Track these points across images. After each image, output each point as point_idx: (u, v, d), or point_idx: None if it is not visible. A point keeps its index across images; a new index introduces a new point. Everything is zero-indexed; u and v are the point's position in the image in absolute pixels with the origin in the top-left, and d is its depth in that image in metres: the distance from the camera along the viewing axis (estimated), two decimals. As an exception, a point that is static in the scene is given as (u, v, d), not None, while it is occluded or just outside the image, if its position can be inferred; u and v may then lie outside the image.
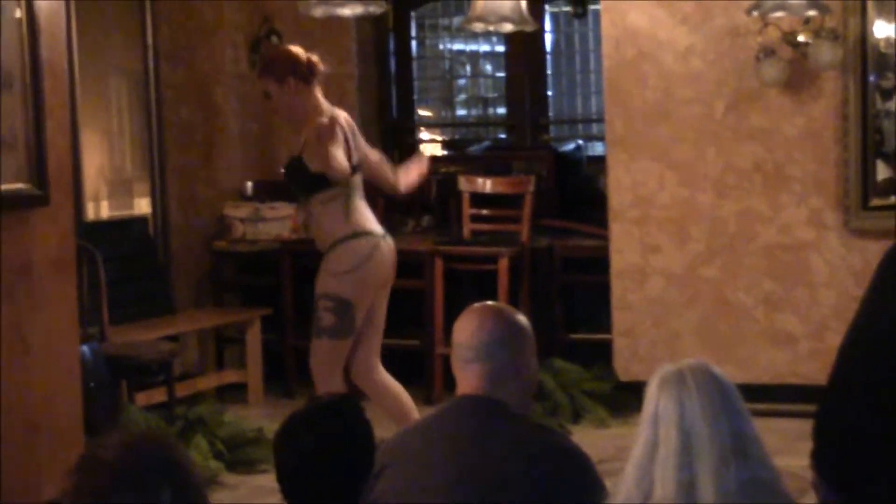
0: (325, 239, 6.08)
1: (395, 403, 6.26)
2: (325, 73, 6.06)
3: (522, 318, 3.59)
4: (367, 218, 6.09)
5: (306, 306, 8.68)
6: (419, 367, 8.26)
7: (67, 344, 5.50)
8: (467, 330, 3.54)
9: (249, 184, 9.03)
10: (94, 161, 8.45)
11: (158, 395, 7.45)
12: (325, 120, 5.83)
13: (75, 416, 5.53)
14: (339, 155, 5.78)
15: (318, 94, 6.04)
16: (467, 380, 3.50)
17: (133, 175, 8.87)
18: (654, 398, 2.80)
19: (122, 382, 7.12)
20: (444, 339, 7.96)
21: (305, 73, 5.95)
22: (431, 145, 10.43)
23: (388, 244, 6.13)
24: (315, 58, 5.97)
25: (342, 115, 6.04)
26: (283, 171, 6.40)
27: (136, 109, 8.78)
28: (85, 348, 6.22)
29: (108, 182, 8.65)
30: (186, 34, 8.86)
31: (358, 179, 6.08)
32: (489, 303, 3.74)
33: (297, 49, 6.00)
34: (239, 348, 8.58)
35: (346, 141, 5.95)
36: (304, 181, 6.05)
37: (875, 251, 7.44)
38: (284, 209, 8.75)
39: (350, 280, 5.99)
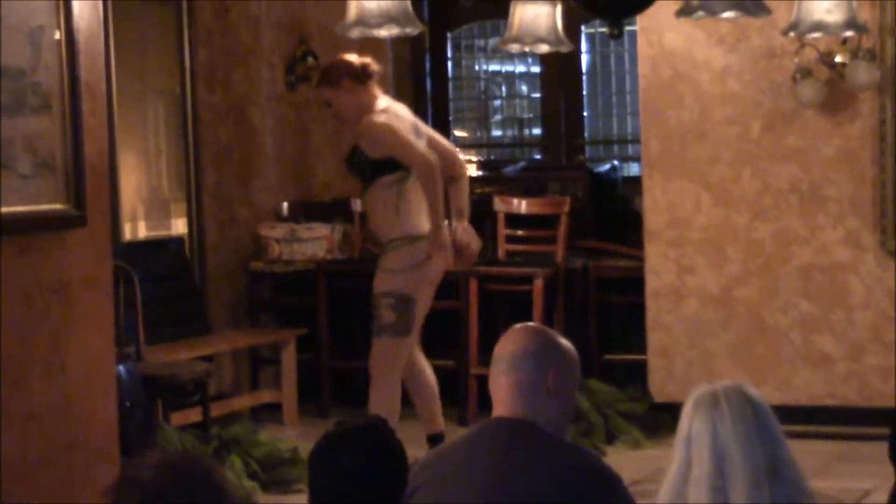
0: (384, 233, 6.30)
1: (424, 393, 6.37)
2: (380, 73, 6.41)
3: (564, 341, 3.56)
4: (423, 217, 6.17)
5: (342, 327, 8.73)
6: (453, 387, 8.25)
7: (103, 363, 5.51)
8: (502, 344, 3.55)
9: (285, 204, 9.05)
10: (131, 181, 8.49)
11: (194, 415, 7.46)
12: (381, 117, 6.15)
13: (111, 436, 5.54)
14: (412, 142, 6.17)
15: (376, 91, 6.24)
16: (499, 394, 3.49)
17: (170, 195, 8.91)
18: (688, 420, 2.80)
19: (158, 402, 7.13)
20: (479, 360, 7.96)
21: (359, 73, 6.15)
22: (467, 165, 10.43)
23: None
24: (368, 59, 6.22)
25: (402, 109, 6.34)
26: (345, 161, 6.65)
27: (173, 130, 8.83)
28: (121, 368, 6.24)
29: (146, 202, 8.69)
30: (224, 55, 8.89)
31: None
32: (532, 324, 3.74)
33: (349, 55, 6.34)
34: (274, 368, 8.59)
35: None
36: (365, 167, 6.28)
37: (912, 272, 7.43)
38: (320, 230, 8.77)
39: (410, 277, 6.11)
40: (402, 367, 6.26)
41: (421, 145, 6.26)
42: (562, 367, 3.51)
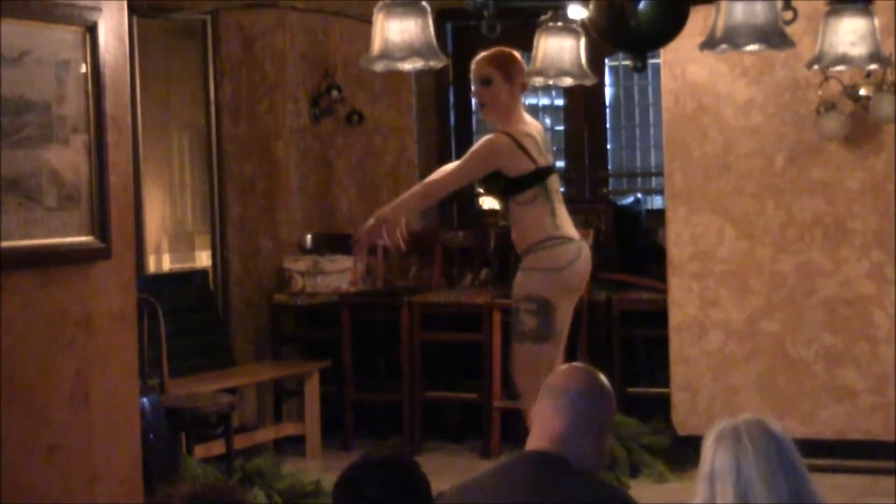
0: (528, 239, 6.13)
1: None
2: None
3: (606, 383, 3.60)
4: (569, 223, 6.16)
5: (365, 359, 8.73)
6: (477, 420, 8.25)
7: (127, 396, 5.53)
8: (557, 380, 3.56)
9: (309, 237, 9.07)
10: (156, 214, 8.52)
11: (217, 448, 7.47)
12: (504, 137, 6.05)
13: (135, 468, 5.55)
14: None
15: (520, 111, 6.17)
16: (541, 428, 3.49)
17: (194, 228, 8.94)
18: (710, 455, 2.79)
19: (181, 434, 7.14)
20: (502, 393, 7.95)
21: (524, 84, 6.09)
22: (490, 199, 10.44)
23: (587, 252, 6.18)
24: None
25: (534, 127, 6.19)
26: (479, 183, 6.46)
27: (198, 163, 8.87)
28: (144, 400, 6.25)
29: (170, 235, 8.72)
30: (248, 88, 8.93)
31: (553, 181, 6.16)
32: (584, 365, 3.78)
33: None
34: (297, 401, 8.59)
35: (523, 149, 6.03)
36: (500, 186, 6.15)
37: (937, 306, 7.40)
38: (344, 262, 8.78)
39: (553, 280, 6.01)
40: (548, 371, 6.13)
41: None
42: (610, 414, 3.54)
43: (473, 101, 10.10)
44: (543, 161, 6.10)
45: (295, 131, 9.10)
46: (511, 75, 6.05)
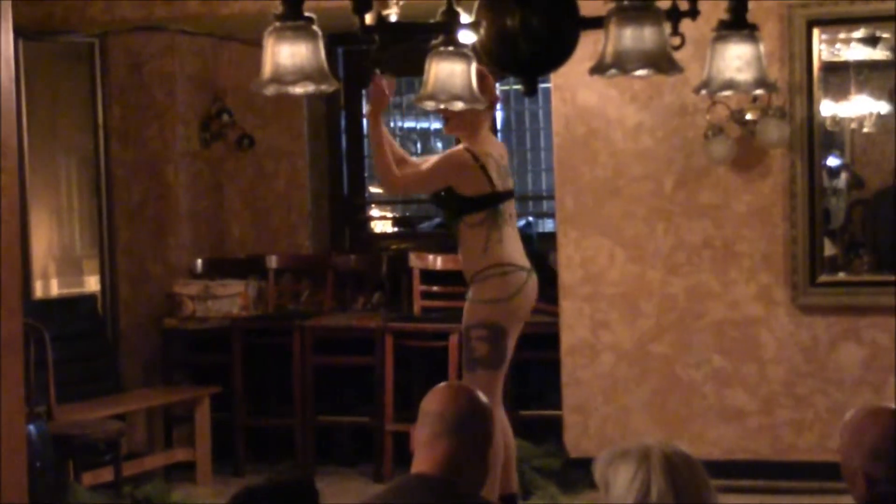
0: (473, 264, 6.08)
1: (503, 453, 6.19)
2: None
3: (485, 400, 3.59)
4: (519, 251, 6.10)
5: (256, 384, 8.67)
6: (369, 444, 8.23)
7: (13, 423, 5.44)
8: (441, 402, 3.54)
9: (199, 261, 9.00)
10: (43, 239, 8.41)
11: (106, 475, 7.38)
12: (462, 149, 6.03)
13: (21, 497, 5.46)
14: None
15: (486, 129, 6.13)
16: (432, 453, 3.47)
17: (83, 253, 8.84)
18: (612, 478, 2.79)
19: (69, 462, 7.04)
20: (395, 416, 7.94)
21: (493, 103, 6.07)
22: (382, 222, 10.44)
23: (534, 280, 6.12)
24: None
25: (498, 149, 6.17)
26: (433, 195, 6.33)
27: (86, 187, 8.78)
28: (31, 427, 6.16)
29: (57, 260, 8.61)
30: (137, 113, 8.86)
31: (508, 207, 6.10)
32: (456, 382, 3.75)
33: None
34: (188, 427, 8.51)
35: (482, 169, 6.00)
36: (453, 204, 6.08)
37: (823, 327, 7.51)
38: (235, 286, 8.73)
39: (502, 308, 5.95)
40: (499, 401, 6.08)
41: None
42: (489, 431, 3.54)
43: (365, 123, 10.11)
44: (501, 185, 6.08)
45: (185, 155, 9.04)
46: (485, 90, 6.03)
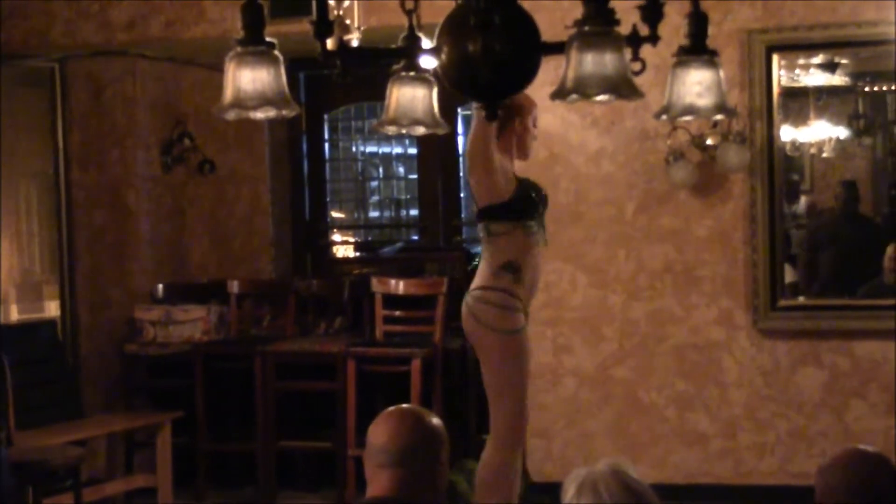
0: None
1: None
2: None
3: (438, 421, 3.59)
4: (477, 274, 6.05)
5: (218, 409, 8.64)
6: (331, 469, 8.21)
7: (-27, 449, 5.41)
8: (384, 433, 3.52)
9: (160, 286, 8.97)
10: (3, 264, 8.37)
11: (66, 501, 7.33)
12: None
13: (-20, 524, 5.43)
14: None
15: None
16: (380, 482, 3.48)
17: (43, 278, 8.80)
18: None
19: (29, 488, 6.99)
20: (357, 441, 7.92)
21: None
22: (344, 247, 10.44)
23: (465, 304, 6.02)
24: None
25: None
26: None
27: (46, 212, 8.74)
28: (-9, 453, 6.12)
29: (18, 285, 8.57)
30: (98, 137, 8.83)
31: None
32: (405, 406, 3.72)
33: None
34: (149, 452, 8.46)
35: None
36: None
37: (783, 351, 7.55)
38: (196, 311, 8.70)
39: None
40: None
41: None
42: (442, 452, 3.53)
43: (327, 147, 10.12)
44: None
45: (146, 180, 9.01)
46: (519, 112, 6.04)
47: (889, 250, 7.60)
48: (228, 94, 3.57)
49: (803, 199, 7.96)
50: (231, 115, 3.61)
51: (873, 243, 7.69)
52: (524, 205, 5.85)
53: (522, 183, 5.95)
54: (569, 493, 2.82)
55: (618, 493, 2.79)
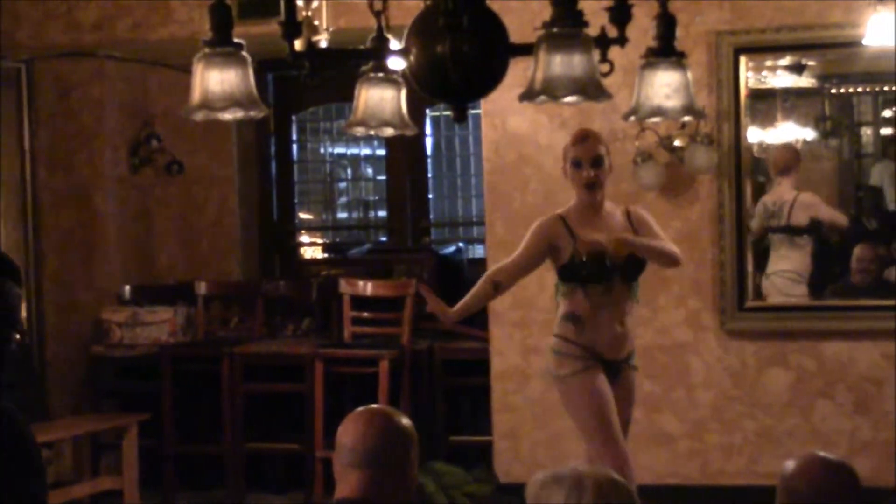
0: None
1: None
2: None
3: (407, 422, 3.58)
4: None
5: (185, 411, 8.61)
6: (299, 470, 8.19)
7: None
8: (354, 434, 3.52)
9: (128, 288, 8.94)
10: (-31, 266, 8.31)
11: (33, 504, 7.28)
12: None
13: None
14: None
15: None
16: (349, 483, 3.47)
17: (9, 280, 8.74)
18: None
19: (-5, 491, 6.95)
20: (325, 443, 7.90)
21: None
22: (312, 248, 10.43)
23: None
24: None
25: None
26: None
27: (12, 214, 8.69)
28: (-43, 456, 6.07)
29: (-16, 287, 8.51)
30: (65, 138, 8.80)
31: None
32: (375, 406, 3.72)
33: None
34: (115, 455, 8.43)
35: None
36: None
37: (751, 352, 7.57)
38: (164, 313, 8.67)
39: None
40: None
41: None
42: (412, 452, 3.53)
43: (295, 149, 10.09)
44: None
45: (113, 181, 8.98)
46: (610, 156, 6.06)
47: (856, 251, 7.64)
48: (196, 95, 3.56)
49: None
50: (199, 117, 3.61)
51: (841, 244, 7.72)
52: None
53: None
54: (546, 490, 2.82)
55: (599, 485, 2.79)
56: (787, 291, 7.64)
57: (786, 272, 7.67)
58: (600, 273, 5.89)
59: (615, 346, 5.97)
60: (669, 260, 6.01)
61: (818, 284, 7.69)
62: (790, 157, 7.76)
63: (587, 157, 5.94)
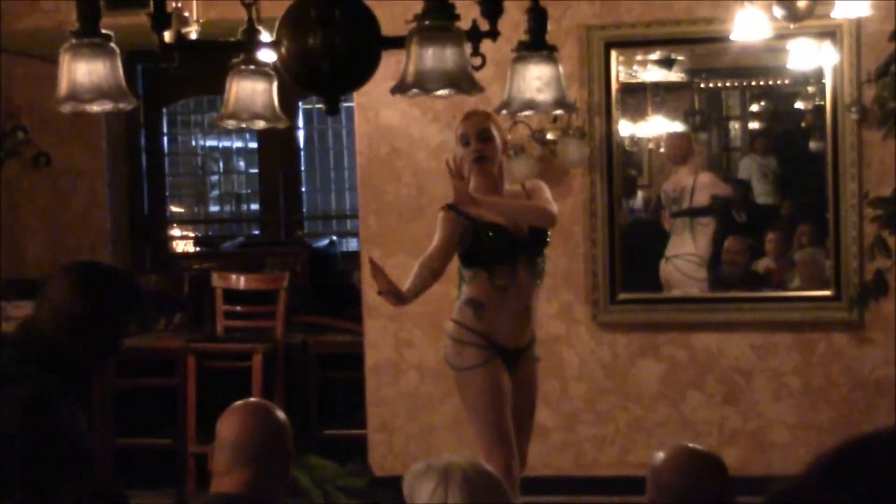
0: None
1: None
2: None
3: (283, 415, 3.57)
4: None
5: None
6: (171, 466, 8.12)
7: None
8: (235, 427, 3.49)
9: (-6, 282, 8.80)
10: None
11: None
12: None
13: None
14: None
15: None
16: (231, 478, 3.44)
17: None
18: (417, 497, 2.80)
19: None
20: (198, 438, 7.84)
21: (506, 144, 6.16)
22: (184, 242, 10.33)
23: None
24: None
25: None
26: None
27: None
28: None
29: None
30: (-72, 129, 8.64)
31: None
32: (254, 400, 3.70)
33: None
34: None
35: None
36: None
37: (623, 344, 7.64)
38: (30, 307, 8.53)
39: None
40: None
41: None
42: (290, 445, 3.52)
43: (166, 141, 10.00)
44: None
45: (-22, 173, 8.83)
46: (502, 133, 6.01)
47: (726, 244, 7.74)
48: (63, 86, 3.50)
49: (640, 194, 8.06)
50: (67, 109, 3.56)
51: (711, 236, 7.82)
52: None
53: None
54: (416, 482, 2.82)
55: (464, 476, 2.80)
56: (688, 274, 7.72)
57: (687, 255, 7.74)
58: (503, 251, 5.84)
59: (516, 332, 5.94)
60: (541, 216, 5.91)
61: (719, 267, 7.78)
62: (685, 146, 7.84)
63: (473, 130, 5.88)
